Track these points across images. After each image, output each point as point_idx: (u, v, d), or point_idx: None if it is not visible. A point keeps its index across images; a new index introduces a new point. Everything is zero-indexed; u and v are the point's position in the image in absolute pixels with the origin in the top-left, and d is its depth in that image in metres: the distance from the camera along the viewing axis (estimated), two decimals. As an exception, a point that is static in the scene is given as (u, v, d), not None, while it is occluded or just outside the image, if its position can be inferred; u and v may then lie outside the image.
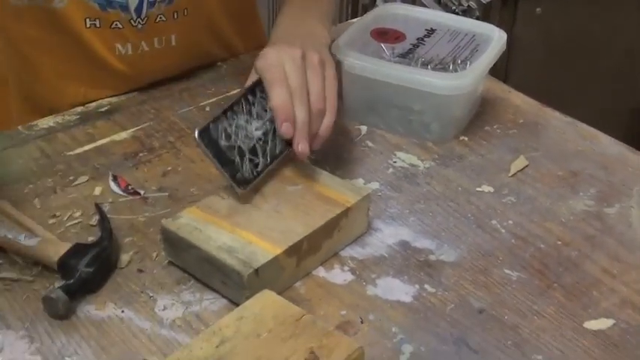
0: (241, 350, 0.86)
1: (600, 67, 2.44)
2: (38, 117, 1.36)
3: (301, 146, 1.09)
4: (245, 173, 1.06)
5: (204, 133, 1.05)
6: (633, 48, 2.47)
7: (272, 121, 1.11)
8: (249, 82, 1.16)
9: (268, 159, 1.09)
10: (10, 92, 1.43)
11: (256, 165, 1.07)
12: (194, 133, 1.04)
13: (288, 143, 1.11)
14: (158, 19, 1.37)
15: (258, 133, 1.10)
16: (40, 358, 0.93)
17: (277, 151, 1.11)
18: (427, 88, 1.26)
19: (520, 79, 1.86)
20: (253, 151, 1.08)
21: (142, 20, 1.35)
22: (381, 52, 1.35)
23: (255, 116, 1.11)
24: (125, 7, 1.32)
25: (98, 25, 1.32)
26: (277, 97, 1.10)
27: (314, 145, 1.12)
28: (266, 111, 1.12)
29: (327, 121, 1.13)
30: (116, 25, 1.33)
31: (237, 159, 1.06)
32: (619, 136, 1.36)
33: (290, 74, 1.12)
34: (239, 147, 1.07)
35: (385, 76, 1.28)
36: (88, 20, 1.31)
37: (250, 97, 1.12)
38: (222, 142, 1.06)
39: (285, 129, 1.08)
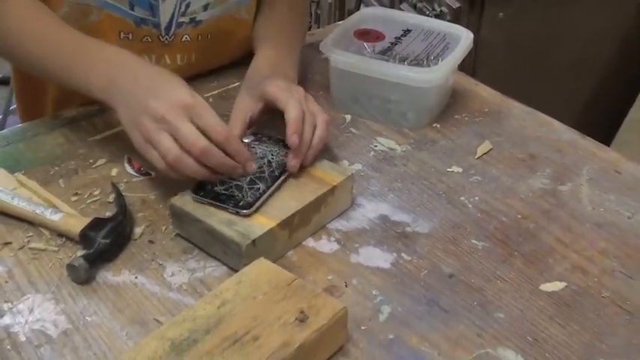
0: (239, 311, 0.85)
1: (555, 64, 2.44)
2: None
3: (295, 162, 1.08)
4: (248, 198, 1.02)
5: (198, 189, 1.04)
6: (583, 48, 2.48)
7: (266, 157, 1.10)
8: (238, 114, 1.17)
9: (269, 182, 1.06)
10: (47, 91, 1.41)
11: (257, 189, 1.04)
12: (191, 194, 1.04)
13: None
14: (184, 38, 1.36)
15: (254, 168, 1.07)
16: (65, 318, 0.93)
17: (277, 174, 1.08)
18: (404, 81, 1.26)
19: (485, 74, 1.86)
20: (251, 182, 1.05)
21: (170, 37, 1.34)
22: (363, 49, 1.34)
23: None
24: (157, 25, 1.32)
25: (130, 38, 1.31)
26: (295, 110, 1.09)
27: (307, 161, 1.11)
28: (256, 153, 1.11)
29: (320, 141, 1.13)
30: (146, 39, 1.32)
31: (237, 192, 1.04)
32: (571, 123, 1.35)
33: (300, 100, 1.12)
34: (236, 184, 1.05)
35: (367, 71, 1.28)
36: (121, 33, 1.30)
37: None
38: (218, 188, 1.04)
39: (294, 139, 1.07)
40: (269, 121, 1.17)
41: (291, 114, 1.09)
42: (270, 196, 1.04)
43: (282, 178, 1.07)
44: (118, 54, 1.14)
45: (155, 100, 1.02)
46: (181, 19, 1.34)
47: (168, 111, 1.01)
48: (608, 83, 2.67)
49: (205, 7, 1.35)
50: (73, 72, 1.14)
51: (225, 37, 1.41)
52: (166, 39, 1.35)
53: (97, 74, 1.11)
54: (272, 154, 1.10)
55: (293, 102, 1.10)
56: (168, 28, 1.33)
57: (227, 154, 1.02)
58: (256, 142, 1.13)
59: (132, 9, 1.28)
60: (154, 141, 1.01)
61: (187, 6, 1.32)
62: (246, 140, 1.14)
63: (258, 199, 1.02)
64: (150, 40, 1.33)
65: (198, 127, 1.01)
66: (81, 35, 1.17)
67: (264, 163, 1.08)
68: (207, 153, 1.00)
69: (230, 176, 1.04)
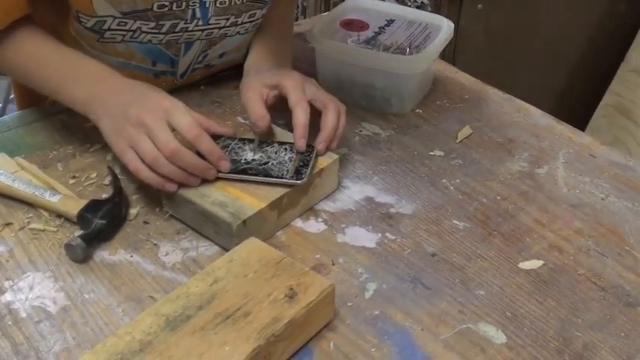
0: (231, 288, 0.85)
1: (531, 53, 2.45)
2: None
3: (323, 145, 1.10)
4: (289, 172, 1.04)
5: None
6: (557, 38, 2.49)
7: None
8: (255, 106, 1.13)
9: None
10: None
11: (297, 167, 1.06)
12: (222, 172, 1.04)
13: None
14: (195, 77, 1.37)
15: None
16: (64, 295, 0.93)
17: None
18: (387, 68, 1.26)
19: (465, 63, 1.85)
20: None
21: (182, 79, 1.35)
22: (348, 39, 1.34)
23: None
24: (174, 74, 1.33)
25: None
26: (302, 116, 1.08)
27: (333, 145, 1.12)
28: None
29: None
30: (161, 84, 1.30)
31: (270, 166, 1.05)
32: (547, 109, 1.35)
33: (316, 93, 1.14)
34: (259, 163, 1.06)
35: (352, 59, 1.28)
36: None
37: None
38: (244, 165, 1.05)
39: (301, 144, 1.07)
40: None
41: (300, 119, 1.08)
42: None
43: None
44: (101, 70, 1.12)
45: (135, 107, 1.02)
46: (197, 66, 1.34)
47: (147, 115, 1.00)
48: (582, 71, 2.68)
49: (221, 55, 1.35)
50: (57, 86, 1.14)
51: (236, 71, 1.39)
52: (179, 81, 1.35)
53: (79, 88, 1.11)
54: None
55: (302, 106, 1.09)
56: (183, 74, 1.34)
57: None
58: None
59: (154, 65, 1.29)
60: (135, 144, 1.00)
61: (205, 56, 1.32)
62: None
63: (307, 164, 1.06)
64: (164, 83, 1.32)
65: (174, 130, 1.01)
66: (65, 50, 1.15)
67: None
68: (176, 154, 0.99)
69: (204, 177, 1.02)
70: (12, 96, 2.91)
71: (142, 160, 1.00)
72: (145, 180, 1.01)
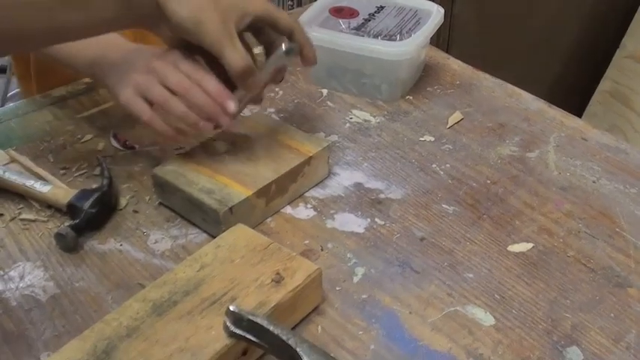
0: (218, 273, 0.85)
1: (526, 40, 2.45)
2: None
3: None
4: None
5: None
6: (552, 24, 2.49)
7: None
8: None
9: None
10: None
11: None
12: None
13: None
14: None
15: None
16: (54, 284, 0.93)
17: None
18: (377, 55, 1.26)
19: (459, 49, 1.86)
20: None
21: None
22: (339, 26, 1.33)
23: None
24: None
25: None
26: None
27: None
28: None
29: None
30: None
31: None
32: (542, 96, 1.35)
33: None
34: None
35: (342, 46, 1.28)
36: None
37: None
38: None
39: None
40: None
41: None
42: None
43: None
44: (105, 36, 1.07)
45: (142, 58, 1.02)
46: None
47: (156, 62, 1.00)
48: (577, 58, 2.68)
49: None
50: (60, 49, 1.12)
51: None
52: None
53: (82, 51, 1.10)
54: None
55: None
56: None
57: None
58: None
59: None
60: (145, 89, 1.00)
61: None
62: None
63: None
64: None
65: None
66: None
67: None
68: (190, 91, 0.98)
69: (218, 124, 1.01)
70: (10, 94, 2.93)
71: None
72: (158, 130, 1.01)
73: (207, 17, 0.95)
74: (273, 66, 1.05)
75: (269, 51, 1.07)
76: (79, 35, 1.01)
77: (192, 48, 1.00)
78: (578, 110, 2.43)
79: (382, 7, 1.39)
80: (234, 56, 0.97)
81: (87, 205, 1.00)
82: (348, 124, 1.25)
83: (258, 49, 1.08)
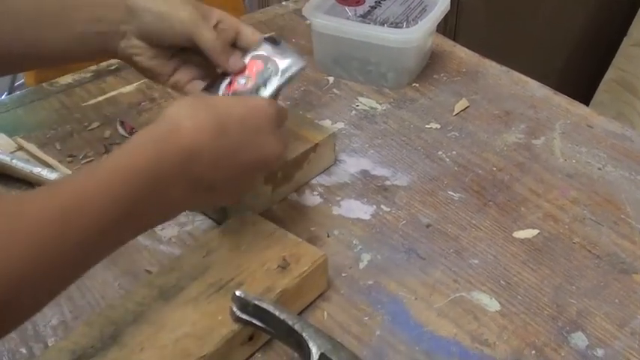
0: (224, 259, 0.86)
1: (533, 28, 2.44)
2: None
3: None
4: None
5: None
6: (558, 12, 2.48)
7: None
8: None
9: None
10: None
11: None
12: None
13: None
14: None
15: None
16: (59, 272, 0.93)
17: None
18: (383, 43, 1.25)
19: (466, 37, 1.86)
20: None
21: None
22: (345, 13, 1.33)
23: None
24: None
25: None
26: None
27: None
28: None
29: None
30: None
31: None
32: (549, 84, 1.35)
33: None
34: None
35: (348, 33, 1.28)
36: None
37: None
38: None
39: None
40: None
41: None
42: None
43: None
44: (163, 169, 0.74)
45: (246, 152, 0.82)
46: None
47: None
48: (584, 46, 2.67)
49: None
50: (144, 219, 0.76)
51: None
52: None
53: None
54: None
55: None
56: None
57: None
58: None
59: None
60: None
61: None
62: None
63: None
64: None
65: None
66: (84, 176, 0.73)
67: None
68: None
69: None
70: (17, 83, 2.94)
71: None
72: None
73: (180, 3, 0.95)
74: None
75: None
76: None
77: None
78: (585, 99, 2.42)
79: (389, -5, 1.39)
80: (211, 34, 0.96)
81: (94, 192, 1.00)
82: (354, 112, 1.26)
83: None
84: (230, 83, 0.98)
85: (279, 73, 0.97)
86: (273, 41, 1.00)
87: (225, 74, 0.98)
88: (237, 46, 1.01)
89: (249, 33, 1.01)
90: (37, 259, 0.61)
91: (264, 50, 0.99)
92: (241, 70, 0.98)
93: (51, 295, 0.66)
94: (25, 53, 0.96)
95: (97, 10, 0.96)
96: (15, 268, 0.59)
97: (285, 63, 0.97)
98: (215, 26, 0.98)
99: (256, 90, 0.96)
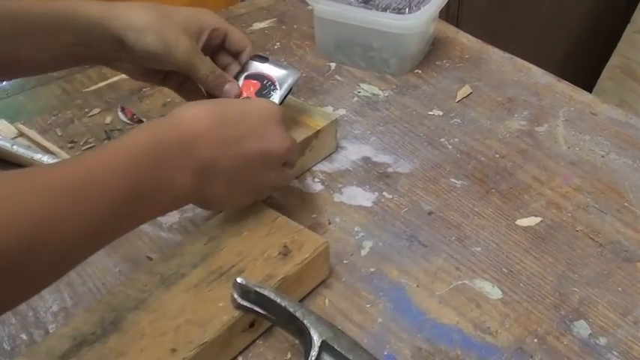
0: (225, 246, 0.85)
1: (536, 14, 2.44)
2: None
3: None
4: None
5: None
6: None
7: None
8: None
9: None
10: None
11: None
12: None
13: None
14: None
15: None
16: (60, 258, 0.93)
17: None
18: (385, 28, 1.25)
19: (469, 24, 1.85)
20: None
21: None
22: (347, -1, 1.33)
23: None
24: None
25: None
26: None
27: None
28: None
29: None
30: None
31: None
32: (552, 72, 1.35)
33: None
34: None
35: (350, 19, 1.27)
36: None
37: None
38: None
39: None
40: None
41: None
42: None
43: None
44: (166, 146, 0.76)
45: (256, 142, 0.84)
46: None
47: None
48: (588, 33, 2.66)
49: None
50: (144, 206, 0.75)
51: None
52: None
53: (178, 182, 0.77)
54: None
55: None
56: None
57: None
58: None
59: None
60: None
61: None
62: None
63: None
64: None
65: None
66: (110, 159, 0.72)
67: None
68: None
69: None
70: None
71: None
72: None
73: (175, 37, 0.94)
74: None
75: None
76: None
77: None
78: (588, 86, 2.42)
79: (391, -20, 1.39)
80: (206, 69, 0.97)
81: (94, 178, 1.00)
82: (356, 98, 1.25)
83: None
84: None
85: (278, 87, 1.01)
86: (261, 59, 1.04)
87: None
88: (225, 47, 1.03)
89: (237, 38, 1.03)
90: (50, 219, 0.62)
91: (256, 69, 1.03)
92: (239, 94, 1.01)
93: (61, 265, 0.66)
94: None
95: (83, 38, 0.93)
96: (28, 223, 0.60)
97: (280, 77, 1.02)
98: (209, 36, 0.99)
99: None
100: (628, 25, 2.55)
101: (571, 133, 1.17)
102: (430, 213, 1.01)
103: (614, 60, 2.58)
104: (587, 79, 2.55)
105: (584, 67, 2.60)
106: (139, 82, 1.19)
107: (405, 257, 0.93)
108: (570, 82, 1.31)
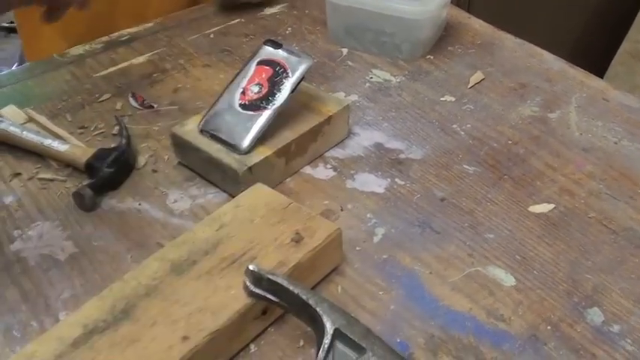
0: (237, 233, 0.85)
1: (546, 1, 2.42)
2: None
3: None
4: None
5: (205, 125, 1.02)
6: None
7: None
8: None
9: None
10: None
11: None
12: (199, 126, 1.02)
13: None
14: None
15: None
16: (72, 243, 0.93)
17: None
18: (398, 14, 1.24)
19: (481, 10, 1.83)
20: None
21: None
22: (359, -16, 1.31)
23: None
24: None
25: None
26: None
27: None
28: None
29: None
30: None
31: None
32: (564, 57, 1.33)
33: None
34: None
35: (362, 4, 1.27)
36: None
37: None
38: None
39: None
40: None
41: None
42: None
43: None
44: None
45: None
46: None
47: None
48: (599, 18, 2.64)
49: None
50: None
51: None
52: None
53: None
54: None
55: None
56: None
57: None
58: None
59: None
60: None
61: None
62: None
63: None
64: None
65: None
66: None
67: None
68: None
69: None
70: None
71: None
72: None
73: None
74: None
75: None
76: None
77: None
78: (599, 71, 2.39)
79: (403, -35, 1.37)
80: None
81: (105, 164, 1.00)
82: (368, 84, 1.24)
83: None
84: (243, 92, 1.01)
85: (290, 75, 1.01)
86: (274, 44, 1.04)
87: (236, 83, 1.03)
88: None
89: None
90: None
91: (268, 54, 1.04)
92: (251, 79, 1.02)
93: None
94: None
95: None
96: None
97: (292, 64, 1.02)
98: None
99: (272, 96, 1.00)
100: (639, 11, 2.53)
101: (583, 119, 1.16)
102: (443, 199, 1.00)
103: (625, 45, 2.56)
104: (599, 65, 2.54)
105: (595, 53, 2.58)
106: (149, 68, 1.19)
107: (417, 244, 0.93)
108: (582, 68, 1.30)
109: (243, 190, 0.92)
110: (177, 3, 1.47)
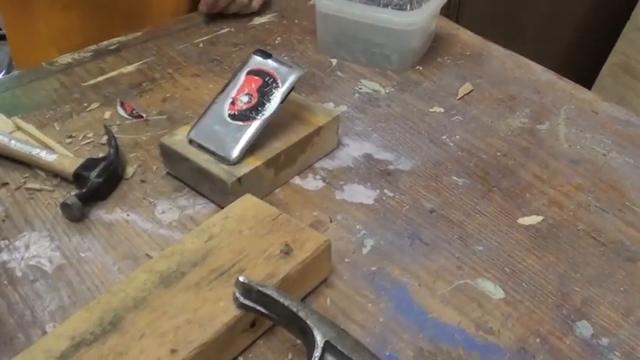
0: (226, 244, 0.84)
1: (533, 11, 2.43)
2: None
3: None
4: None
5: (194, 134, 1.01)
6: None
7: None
8: None
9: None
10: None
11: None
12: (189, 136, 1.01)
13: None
14: None
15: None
16: (59, 254, 0.92)
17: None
18: (387, 24, 1.24)
19: (469, 21, 1.83)
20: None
21: None
22: (349, -5, 1.32)
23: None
24: None
25: None
26: None
27: None
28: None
29: None
30: None
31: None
32: (552, 68, 1.34)
33: None
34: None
35: (352, 15, 1.26)
36: None
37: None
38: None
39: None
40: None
41: None
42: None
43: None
44: None
45: None
46: None
47: None
48: (587, 30, 2.65)
49: None
50: None
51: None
52: None
53: None
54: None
55: None
56: None
57: None
58: None
59: None
60: None
61: None
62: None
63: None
64: None
65: None
66: None
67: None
68: None
69: None
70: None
71: None
72: None
73: None
74: None
75: None
76: None
77: None
78: (587, 83, 2.41)
79: (393, -24, 1.37)
80: None
81: (93, 174, 0.99)
82: (357, 95, 1.24)
83: None
84: (233, 102, 1.01)
85: (280, 85, 1.00)
86: (263, 54, 1.04)
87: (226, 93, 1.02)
88: None
89: None
90: None
91: (258, 64, 1.03)
92: (240, 89, 1.02)
93: None
94: None
95: None
96: None
97: (282, 74, 1.02)
98: None
99: (262, 106, 0.99)
100: (628, 23, 2.54)
101: (572, 131, 1.16)
102: (432, 211, 1.00)
103: (613, 57, 2.57)
104: (586, 76, 2.55)
105: (583, 65, 2.59)
106: (138, 77, 1.18)
107: (406, 256, 0.93)
108: (570, 79, 1.30)
109: (232, 201, 0.92)
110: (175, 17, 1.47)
